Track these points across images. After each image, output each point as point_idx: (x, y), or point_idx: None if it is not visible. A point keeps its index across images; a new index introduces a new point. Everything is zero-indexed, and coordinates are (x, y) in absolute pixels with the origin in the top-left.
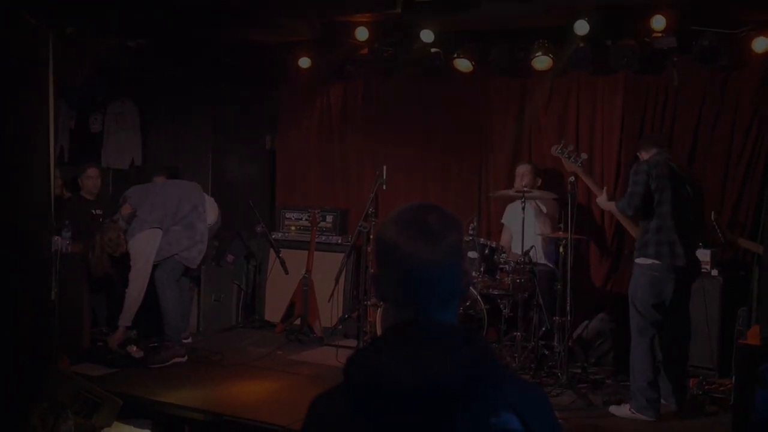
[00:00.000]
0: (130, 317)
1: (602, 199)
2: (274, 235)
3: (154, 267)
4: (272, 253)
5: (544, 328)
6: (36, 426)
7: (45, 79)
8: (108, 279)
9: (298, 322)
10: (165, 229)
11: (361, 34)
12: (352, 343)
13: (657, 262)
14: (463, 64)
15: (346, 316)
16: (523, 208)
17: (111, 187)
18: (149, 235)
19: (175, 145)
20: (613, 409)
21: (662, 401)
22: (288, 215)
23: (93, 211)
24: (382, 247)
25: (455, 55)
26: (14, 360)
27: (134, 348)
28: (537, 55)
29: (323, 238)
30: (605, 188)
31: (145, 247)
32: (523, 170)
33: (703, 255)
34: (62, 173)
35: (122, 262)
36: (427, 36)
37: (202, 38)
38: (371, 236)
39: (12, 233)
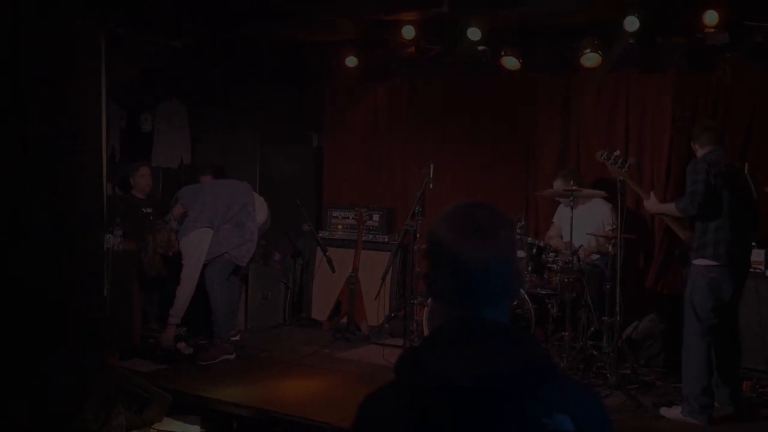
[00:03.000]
0: (180, 315)
1: (651, 203)
2: (321, 234)
3: (205, 265)
4: (319, 252)
5: (592, 328)
6: (88, 421)
7: (97, 80)
8: (160, 278)
9: (344, 320)
10: (215, 228)
11: (408, 32)
12: (399, 341)
13: (715, 263)
14: (511, 62)
15: (393, 314)
16: (572, 207)
17: (161, 186)
18: (200, 235)
19: (223, 145)
20: (663, 411)
21: (716, 404)
22: (335, 214)
23: (144, 209)
24: (433, 246)
25: (502, 53)
26: (67, 356)
27: (184, 345)
28: (586, 52)
29: (370, 236)
30: (652, 192)
31: (196, 247)
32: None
33: (757, 255)
34: (114, 172)
35: (174, 262)
36: (473, 34)
37: (248, 38)
38: (418, 235)
39: (65, 231)
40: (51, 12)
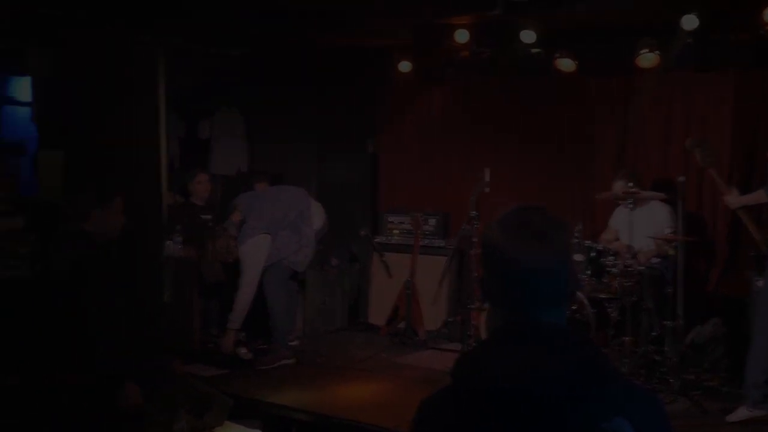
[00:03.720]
0: (240, 320)
1: (732, 197)
2: (378, 239)
3: (263, 271)
4: (376, 257)
5: (653, 333)
6: (151, 424)
7: (156, 90)
8: (219, 284)
9: (402, 325)
10: (273, 234)
11: (461, 36)
12: (456, 346)
13: None
14: (566, 64)
15: (450, 319)
16: (631, 210)
17: (220, 194)
18: (258, 241)
19: (280, 152)
20: (730, 417)
21: None
22: (391, 219)
23: (202, 216)
24: (488, 250)
25: (557, 55)
26: (129, 360)
27: (243, 350)
28: (642, 52)
29: (426, 241)
30: (733, 186)
31: (254, 253)
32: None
33: None
34: (173, 180)
35: (233, 268)
36: (527, 36)
37: (302, 46)
38: (474, 239)
39: (126, 238)
40: (111, 26)
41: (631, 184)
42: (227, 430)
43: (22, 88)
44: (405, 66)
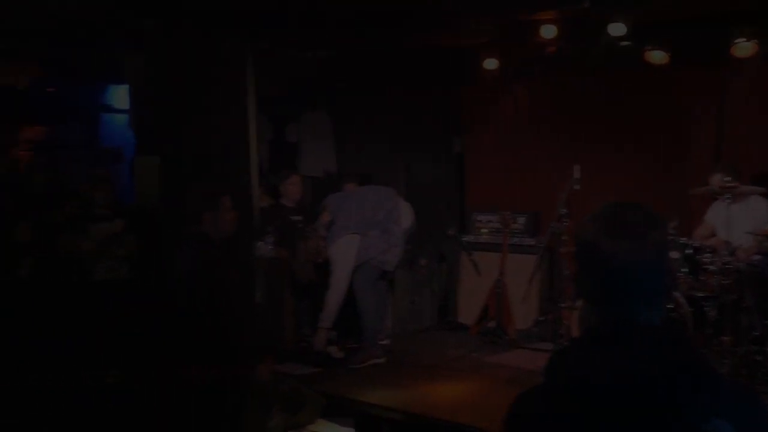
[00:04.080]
0: (331, 319)
1: None
2: (466, 238)
3: (353, 271)
4: (464, 256)
5: (755, 333)
6: (246, 422)
7: (246, 94)
8: (311, 284)
9: (491, 324)
10: (362, 234)
11: (548, 31)
12: (548, 346)
13: None
14: (657, 56)
15: (541, 318)
16: (729, 205)
17: (309, 195)
18: (348, 241)
19: (367, 153)
20: None
21: None
22: (479, 218)
23: (293, 217)
24: (582, 247)
25: (647, 47)
26: (225, 359)
27: (335, 349)
28: (739, 41)
29: (515, 239)
30: None
31: (344, 253)
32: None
33: None
34: (262, 182)
35: (324, 268)
36: (616, 29)
37: (388, 46)
38: (564, 237)
39: (219, 240)
40: (203, 33)
41: (729, 178)
42: (320, 428)
43: (120, 96)
44: (491, 63)
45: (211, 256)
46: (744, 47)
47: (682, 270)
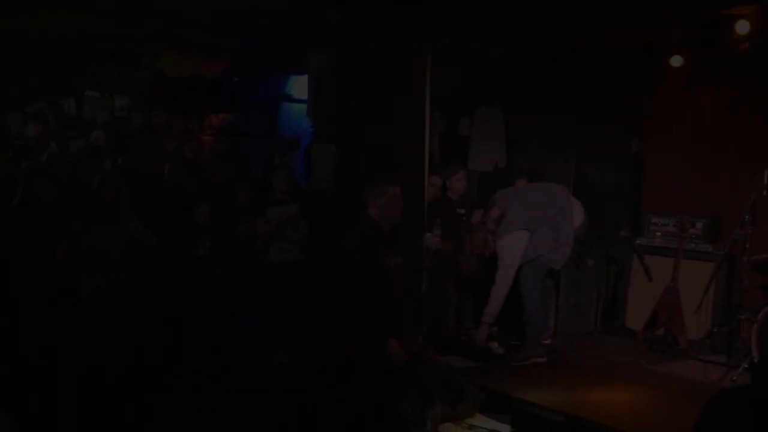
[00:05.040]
0: (494, 315)
1: None
2: (638, 241)
3: (519, 268)
4: (635, 259)
5: None
6: (407, 410)
7: (422, 89)
8: (474, 278)
9: (661, 331)
10: (532, 231)
11: (742, 27)
12: (721, 358)
13: None
14: None
15: (715, 329)
16: None
17: (476, 190)
18: (517, 237)
19: (539, 150)
20: None
21: None
22: (654, 221)
23: (458, 210)
24: None
25: None
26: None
27: (496, 344)
28: None
29: (691, 245)
30: None
31: (512, 248)
32: None
33: None
34: (431, 174)
35: (490, 262)
36: None
37: (568, 44)
38: (747, 245)
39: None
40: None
41: None
42: (478, 422)
43: (299, 86)
44: (676, 61)
45: (377, 243)
46: None
47: None
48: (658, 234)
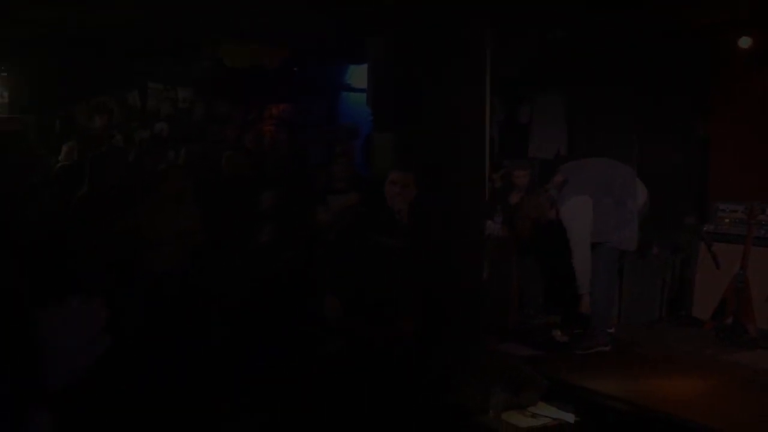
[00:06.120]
0: (586, 282)
1: None
2: (705, 228)
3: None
4: (702, 247)
5: None
6: (467, 397)
7: (483, 75)
8: (526, 243)
9: (729, 320)
10: (595, 199)
11: None
12: None
13: None
14: None
15: None
16: None
17: (537, 177)
18: (580, 201)
19: (601, 135)
20: None
21: None
22: (722, 207)
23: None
24: None
25: None
26: (450, 335)
27: (559, 333)
28: None
29: (762, 232)
30: None
31: (577, 213)
32: None
33: None
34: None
35: (547, 234)
36: None
37: (629, 25)
38: None
39: (449, 217)
40: (442, 12)
41: None
42: (541, 410)
43: (358, 74)
44: (745, 42)
45: (371, 225)
46: None
47: None
48: (726, 220)
